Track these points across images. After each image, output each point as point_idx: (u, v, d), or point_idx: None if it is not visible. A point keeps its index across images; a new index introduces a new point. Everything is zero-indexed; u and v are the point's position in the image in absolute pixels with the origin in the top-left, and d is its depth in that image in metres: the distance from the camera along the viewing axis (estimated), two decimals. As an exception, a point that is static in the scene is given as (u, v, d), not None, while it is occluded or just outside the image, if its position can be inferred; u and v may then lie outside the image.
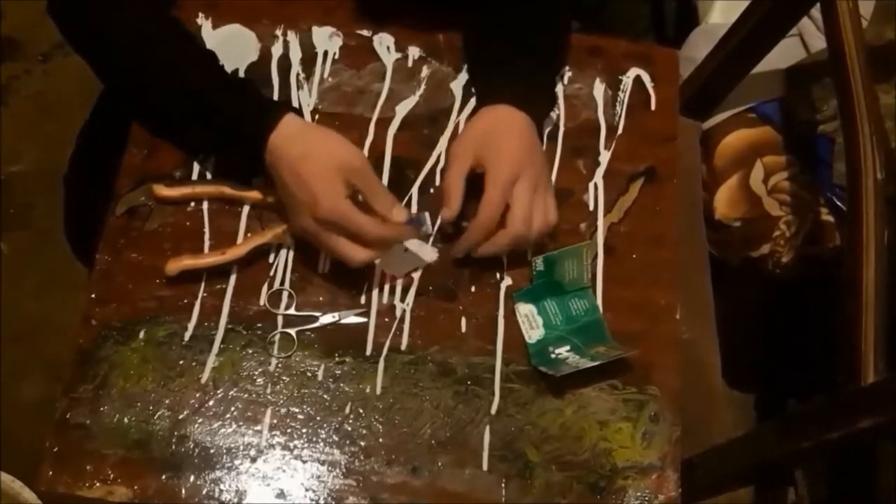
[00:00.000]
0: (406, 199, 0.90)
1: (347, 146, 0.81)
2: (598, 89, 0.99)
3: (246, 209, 0.87)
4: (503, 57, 0.89)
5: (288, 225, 0.84)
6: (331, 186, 0.77)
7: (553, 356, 0.85)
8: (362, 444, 0.81)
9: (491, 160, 0.82)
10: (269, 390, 0.81)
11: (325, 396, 0.82)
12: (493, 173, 0.82)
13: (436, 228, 0.89)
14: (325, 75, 0.94)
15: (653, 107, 0.99)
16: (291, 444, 0.80)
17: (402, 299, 0.86)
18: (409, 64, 0.96)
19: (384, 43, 0.97)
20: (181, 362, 0.81)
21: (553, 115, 0.96)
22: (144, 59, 0.83)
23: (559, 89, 0.98)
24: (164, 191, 0.85)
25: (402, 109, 0.94)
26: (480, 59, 0.93)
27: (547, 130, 0.96)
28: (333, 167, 0.78)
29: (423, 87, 0.95)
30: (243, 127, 0.81)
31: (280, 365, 0.82)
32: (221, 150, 0.87)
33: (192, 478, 0.78)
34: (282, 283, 0.85)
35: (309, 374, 0.82)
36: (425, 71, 0.96)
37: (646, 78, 1.00)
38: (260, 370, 0.82)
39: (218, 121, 0.81)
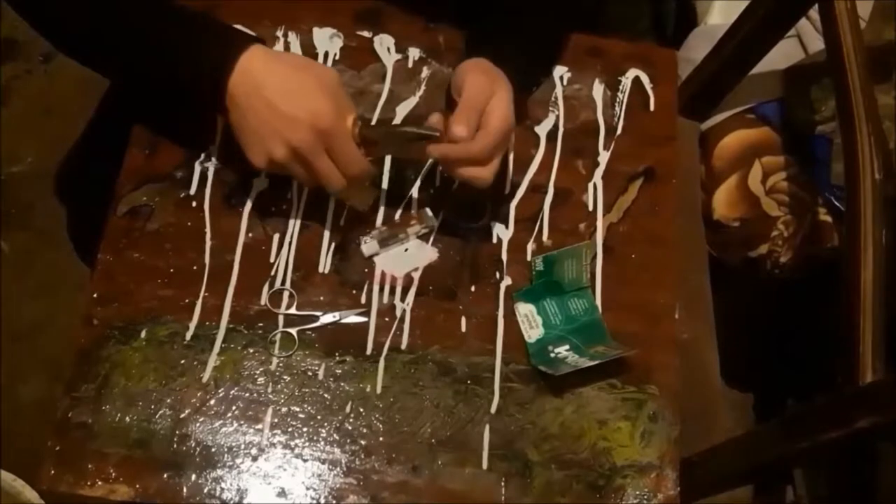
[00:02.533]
0: (406, 199, 0.90)
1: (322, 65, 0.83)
2: (598, 90, 0.99)
3: (247, 209, 0.87)
4: (502, 35, 0.89)
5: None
6: (329, 99, 0.75)
7: (552, 355, 0.85)
8: (363, 442, 0.81)
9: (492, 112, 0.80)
10: (270, 389, 0.82)
11: (326, 395, 0.82)
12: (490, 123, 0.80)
13: (438, 222, 0.89)
14: (326, 76, 0.95)
15: (652, 107, 0.99)
16: (292, 443, 0.80)
17: (403, 299, 0.87)
18: (410, 65, 0.97)
19: (384, 44, 0.97)
20: (182, 362, 0.82)
21: (552, 115, 0.97)
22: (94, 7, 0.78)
23: (558, 90, 0.98)
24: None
25: (403, 110, 0.94)
26: (480, 33, 0.91)
27: (546, 131, 0.96)
28: (324, 81, 0.76)
29: (423, 87, 0.96)
30: (205, 54, 0.76)
31: (281, 364, 0.83)
32: (177, 91, 0.81)
33: (193, 476, 0.78)
34: (283, 283, 0.86)
35: (310, 374, 0.83)
36: (425, 72, 0.96)
37: (645, 79, 1.00)
38: (261, 369, 0.82)
39: (174, 53, 0.77)
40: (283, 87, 0.75)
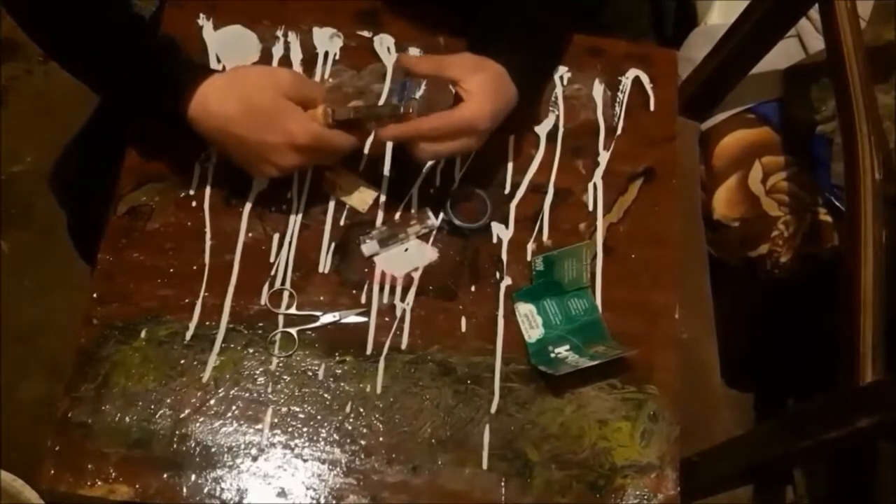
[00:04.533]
0: (406, 198, 0.90)
1: (267, 70, 0.86)
2: (598, 90, 0.99)
3: (247, 209, 0.87)
4: (504, 31, 0.89)
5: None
6: (294, 114, 0.78)
7: (552, 355, 0.85)
8: (363, 442, 0.81)
9: (474, 96, 0.80)
10: (269, 389, 0.82)
11: (326, 395, 0.82)
12: (467, 109, 0.80)
13: (438, 222, 0.89)
14: (326, 76, 0.95)
15: (652, 107, 0.99)
16: (292, 443, 0.80)
17: (403, 299, 0.87)
18: (410, 64, 0.97)
19: (384, 43, 0.97)
20: (182, 361, 0.82)
21: (552, 115, 0.97)
22: (71, 19, 0.80)
23: (558, 90, 0.98)
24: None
25: (403, 110, 0.94)
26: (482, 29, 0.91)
27: (546, 131, 0.96)
28: (279, 95, 0.78)
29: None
30: (161, 95, 0.79)
31: (281, 364, 0.83)
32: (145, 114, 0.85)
33: (193, 476, 0.78)
34: (283, 283, 0.86)
35: (310, 374, 0.83)
36: (425, 72, 0.96)
37: (645, 79, 1.00)
38: (261, 369, 0.82)
39: (133, 89, 0.81)
40: (247, 119, 0.78)
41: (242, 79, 0.80)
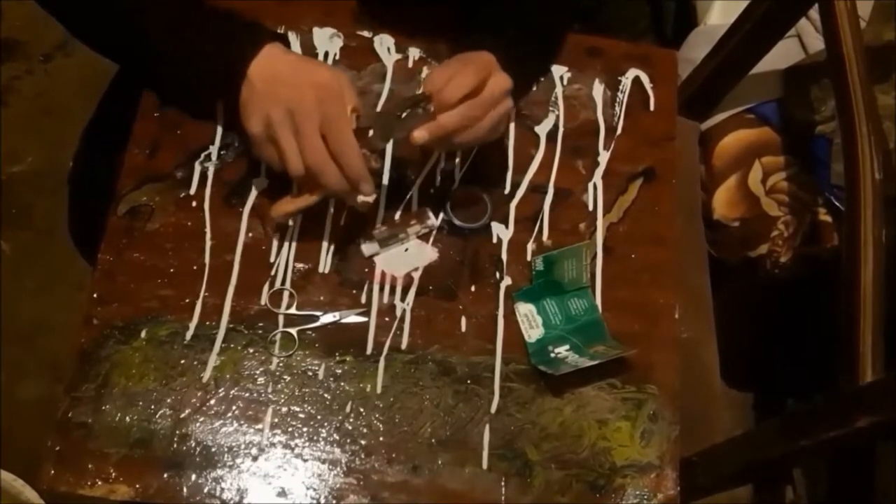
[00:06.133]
0: (406, 198, 0.90)
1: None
2: (598, 90, 0.99)
3: (247, 209, 0.87)
4: (502, 30, 0.89)
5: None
6: (340, 85, 0.78)
7: (552, 355, 0.85)
8: (363, 442, 0.81)
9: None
10: (270, 389, 0.82)
11: (326, 395, 0.82)
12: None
13: (438, 222, 0.89)
14: (326, 76, 0.95)
15: (652, 107, 0.99)
16: (292, 443, 0.80)
17: (403, 299, 0.87)
18: (410, 65, 0.97)
19: (384, 44, 0.97)
20: (182, 361, 0.82)
21: (552, 115, 0.97)
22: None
23: (558, 90, 0.98)
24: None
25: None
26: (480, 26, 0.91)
27: (546, 131, 0.96)
28: (344, 79, 0.79)
29: (423, 88, 0.95)
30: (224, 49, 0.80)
31: (281, 364, 0.83)
32: (193, 88, 0.85)
33: (193, 476, 0.78)
34: (283, 283, 0.86)
35: (310, 374, 0.83)
36: (426, 71, 0.96)
37: (645, 79, 1.00)
38: (261, 369, 0.82)
39: (192, 49, 0.80)
40: (296, 67, 0.78)
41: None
